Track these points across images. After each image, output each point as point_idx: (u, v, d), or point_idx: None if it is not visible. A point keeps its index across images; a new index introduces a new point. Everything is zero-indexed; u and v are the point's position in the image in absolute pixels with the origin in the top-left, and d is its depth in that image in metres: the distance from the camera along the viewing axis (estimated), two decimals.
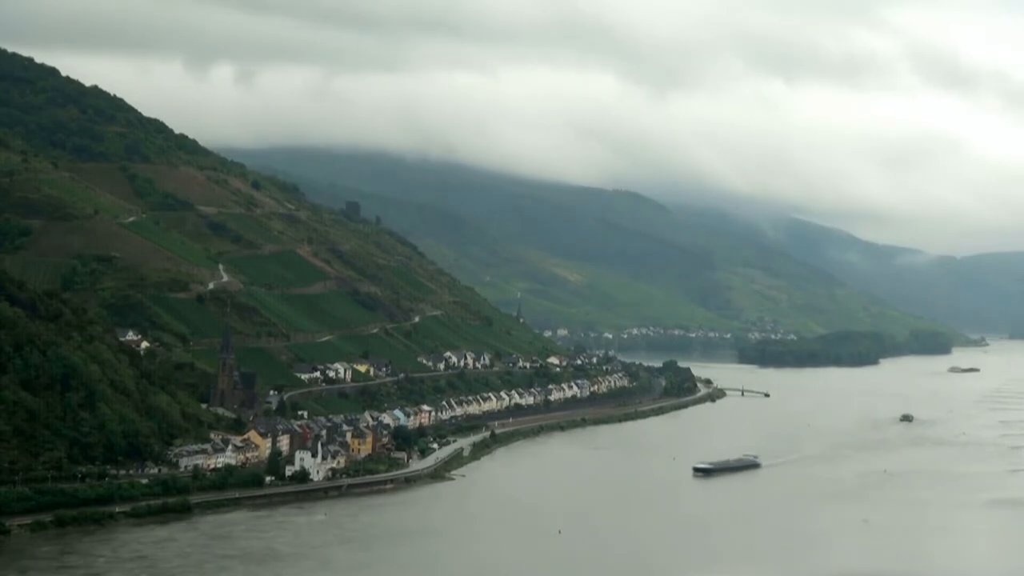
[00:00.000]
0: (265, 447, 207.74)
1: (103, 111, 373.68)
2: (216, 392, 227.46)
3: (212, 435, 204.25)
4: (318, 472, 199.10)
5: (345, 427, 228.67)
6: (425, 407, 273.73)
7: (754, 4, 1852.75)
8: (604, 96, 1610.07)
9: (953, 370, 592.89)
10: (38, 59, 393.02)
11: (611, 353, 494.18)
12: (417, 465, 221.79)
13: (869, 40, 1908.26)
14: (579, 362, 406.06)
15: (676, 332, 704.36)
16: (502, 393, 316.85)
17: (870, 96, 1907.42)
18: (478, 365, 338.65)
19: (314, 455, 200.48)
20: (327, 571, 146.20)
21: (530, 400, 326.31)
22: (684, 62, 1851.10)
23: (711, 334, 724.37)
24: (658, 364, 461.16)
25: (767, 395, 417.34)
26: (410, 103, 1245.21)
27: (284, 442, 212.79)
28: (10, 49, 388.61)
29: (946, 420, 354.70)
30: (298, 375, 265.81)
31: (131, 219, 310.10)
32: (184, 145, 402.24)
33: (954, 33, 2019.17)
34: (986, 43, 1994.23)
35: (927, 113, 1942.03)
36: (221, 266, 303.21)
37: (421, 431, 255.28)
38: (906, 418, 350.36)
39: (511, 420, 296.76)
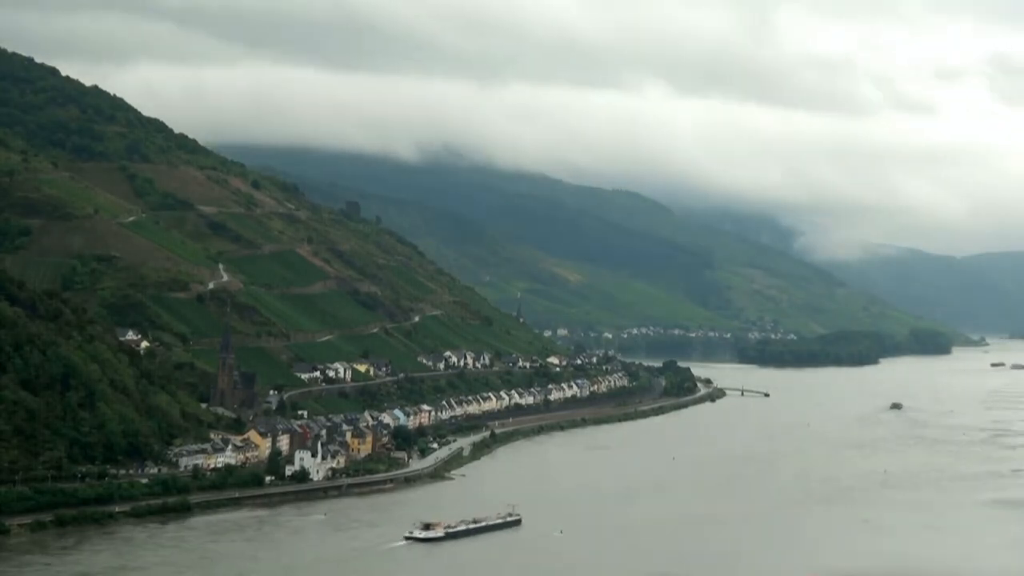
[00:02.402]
0: (265, 447, 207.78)
1: (103, 111, 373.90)
2: (216, 392, 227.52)
3: (212, 435, 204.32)
4: (318, 472, 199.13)
5: (345, 427, 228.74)
6: (425, 407, 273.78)
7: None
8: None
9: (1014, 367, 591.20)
10: (38, 59, 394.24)
11: (611, 353, 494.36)
12: (417, 465, 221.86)
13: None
14: (579, 362, 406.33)
15: (676, 332, 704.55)
16: (502, 393, 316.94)
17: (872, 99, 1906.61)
18: (478, 365, 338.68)
19: (314, 455, 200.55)
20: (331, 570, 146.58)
21: (530, 400, 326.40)
22: None
23: (711, 334, 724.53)
24: (658, 364, 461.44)
25: (767, 395, 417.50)
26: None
27: (284, 442, 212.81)
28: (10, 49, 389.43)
29: (947, 419, 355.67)
30: (298, 375, 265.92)
31: (131, 219, 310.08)
32: (184, 145, 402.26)
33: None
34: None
35: (928, 115, 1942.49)
36: (221, 266, 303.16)
37: (421, 431, 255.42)
38: (896, 406, 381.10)
39: (511, 420, 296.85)
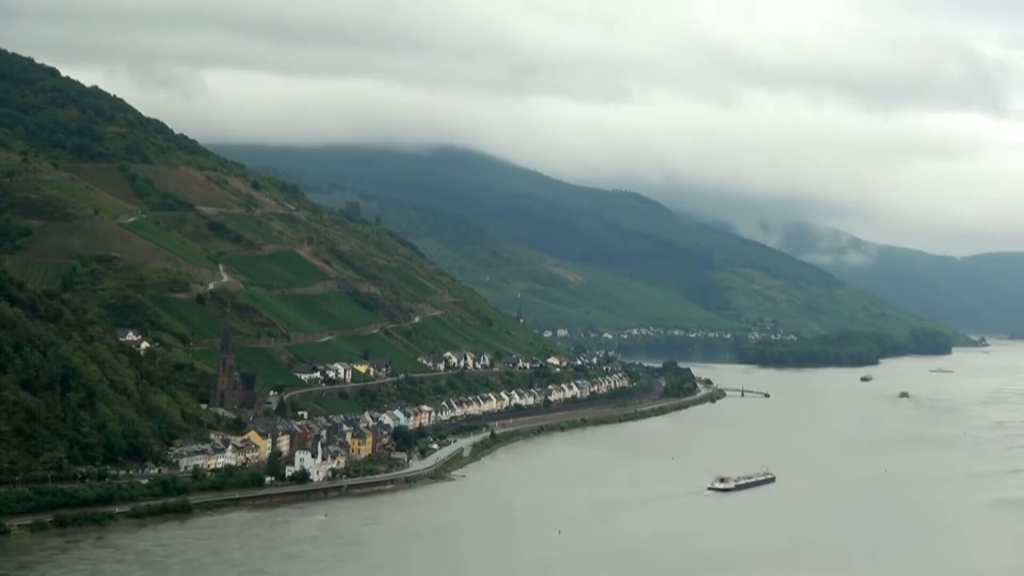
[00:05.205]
0: (265, 447, 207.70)
1: (103, 111, 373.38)
2: (216, 392, 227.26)
3: (212, 435, 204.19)
4: (318, 472, 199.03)
5: (345, 427, 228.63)
6: (425, 407, 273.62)
7: None
8: None
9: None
10: (38, 59, 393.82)
11: (611, 353, 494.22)
12: (417, 465, 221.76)
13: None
14: (579, 362, 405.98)
15: (676, 332, 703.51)
16: (502, 393, 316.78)
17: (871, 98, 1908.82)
18: (478, 365, 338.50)
19: (314, 455, 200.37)
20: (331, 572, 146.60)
21: (530, 400, 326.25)
22: None
23: (711, 334, 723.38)
24: (658, 364, 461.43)
25: (767, 395, 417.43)
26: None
27: (284, 442, 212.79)
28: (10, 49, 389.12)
29: (946, 416, 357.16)
30: (298, 375, 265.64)
31: (131, 219, 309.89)
32: (184, 145, 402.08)
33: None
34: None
35: (928, 116, 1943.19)
36: (221, 266, 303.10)
37: (421, 431, 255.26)
38: (903, 395, 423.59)
39: (511, 420, 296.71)
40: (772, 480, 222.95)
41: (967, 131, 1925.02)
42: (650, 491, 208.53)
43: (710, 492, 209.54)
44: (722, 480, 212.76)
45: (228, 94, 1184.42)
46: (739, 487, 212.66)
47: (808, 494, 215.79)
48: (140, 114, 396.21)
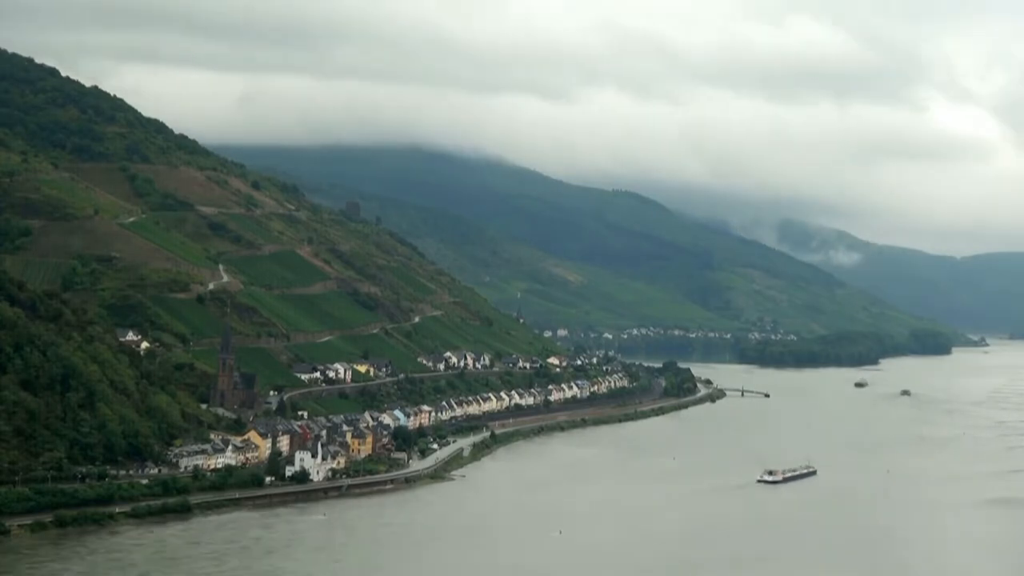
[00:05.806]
0: (265, 447, 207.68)
1: (103, 111, 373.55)
2: (216, 392, 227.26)
3: (212, 435, 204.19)
4: (318, 472, 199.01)
5: (345, 427, 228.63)
6: (425, 407, 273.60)
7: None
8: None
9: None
10: (38, 59, 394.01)
11: (611, 353, 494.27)
12: (417, 465, 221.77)
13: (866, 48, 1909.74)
14: (579, 362, 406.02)
15: (676, 332, 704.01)
16: (502, 393, 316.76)
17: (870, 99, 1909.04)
18: (478, 365, 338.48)
19: (314, 455, 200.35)
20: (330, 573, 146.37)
21: (530, 400, 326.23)
22: None
23: (711, 334, 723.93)
24: (658, 364, 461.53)
25: (767, 396, 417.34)
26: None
27: (284, 442, 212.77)
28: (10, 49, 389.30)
29: (946, 416, 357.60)
30: (298, 375, 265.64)
31: (131, 219, 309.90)
32: (184, 145, 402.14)
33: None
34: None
35: (928, 117, 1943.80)
36: (221, 266, 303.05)
37: (421, 431, 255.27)
38: (904, 393, 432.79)
39: (511, 420, 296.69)
40: (814, 473, 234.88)
41: (967, 130, 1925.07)
42: (699, 485, 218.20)
43: (760, 484, 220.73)
44: (770, 473, 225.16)
45: (160, 92, 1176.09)
46: (786, 479, 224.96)
47: (854, 486, 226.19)
48: (140, 114, 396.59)
